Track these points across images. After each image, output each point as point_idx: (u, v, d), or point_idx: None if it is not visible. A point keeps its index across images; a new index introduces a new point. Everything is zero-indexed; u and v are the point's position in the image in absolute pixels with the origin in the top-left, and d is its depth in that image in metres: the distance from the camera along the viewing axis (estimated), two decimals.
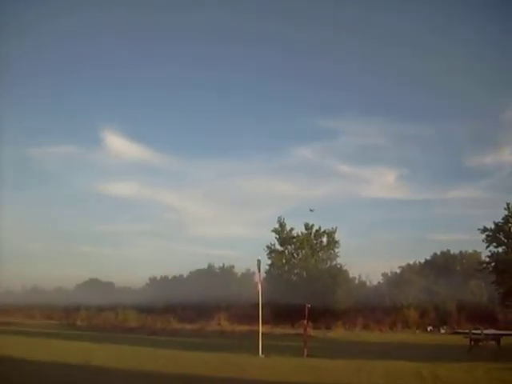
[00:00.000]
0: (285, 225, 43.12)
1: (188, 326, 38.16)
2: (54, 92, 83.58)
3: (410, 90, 74.33)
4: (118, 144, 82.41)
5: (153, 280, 56.52)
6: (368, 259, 60.26)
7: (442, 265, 45.82)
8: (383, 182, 75.24)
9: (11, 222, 79.29)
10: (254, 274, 48.48)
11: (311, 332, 21.08)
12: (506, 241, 34.70)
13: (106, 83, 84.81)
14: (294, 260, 42.84)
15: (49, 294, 60.79)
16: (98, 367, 15.09)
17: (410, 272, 44.40)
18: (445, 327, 36.53)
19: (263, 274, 21.10)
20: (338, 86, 78.36)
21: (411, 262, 46.82)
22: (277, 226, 43.22)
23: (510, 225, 34.61)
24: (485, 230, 34.80)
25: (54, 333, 31.79)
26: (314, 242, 42.82)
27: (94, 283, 60.45)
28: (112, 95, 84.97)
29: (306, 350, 18.63)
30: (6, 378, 12.86)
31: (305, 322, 20.38)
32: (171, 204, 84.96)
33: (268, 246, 43.05)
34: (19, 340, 25.15)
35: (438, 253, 48.56)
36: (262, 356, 18.30)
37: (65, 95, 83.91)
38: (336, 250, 42.87)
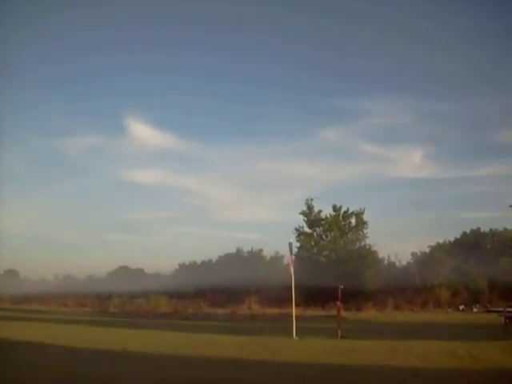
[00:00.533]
0: (313, 207, 43.13)
1: (219, 311, 38.44)
2: (77, 82, 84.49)
3: (435, 67, 73.42)
4: (142, 132, 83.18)
5: (182, 266, 56.96)
6: (397, 239, 60.28)
7: (472, 243, 45.35)
8: (410, 161, 74.71)
9: (43, 213, 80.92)
10: (282, 257, 48.79)
11: (343, 313, 21.00)
12: None
13: (129, 71, 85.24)
14: (322, 242, 42.87)
15: (81, 283, 61.83)
16: (134, 353, 15.23)
17: (439, 251, 44.09)
18: (477, 306, 36.28)
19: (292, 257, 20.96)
20: (362, 66, 77.62)
21: (441, 241, 46.60)
22: (305, 208, 43.22)
23: None
24: None
25: (88, 320, 32.21)
26: (343, 223, 42.75)
27: (124, 270, 61.30)
28: (135, 83, 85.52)
29: (339, 332, 18.64)
30: (45, 364, 13.10)
31: (338, 303, 20.35)
32: (198, 190, 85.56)
33: (296, 229, 43.18)
34: (56, 327, 25.54)
35: (468, 231, 48.12)
36: (296, 338, 18.33)
37: (88, 85, 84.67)
38: (365, 231, 42.84)
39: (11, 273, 67.81)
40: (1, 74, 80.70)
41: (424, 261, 43.61)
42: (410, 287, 39.57)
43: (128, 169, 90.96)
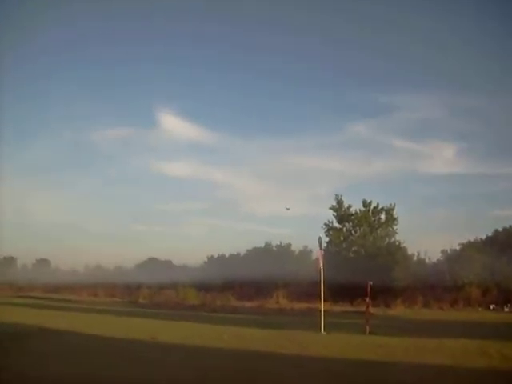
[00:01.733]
0: (342, 202, 42.90)
1: (247, 304, 38.59)
2: (107, 75, 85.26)
3: (469, 62, 72.10)
4: (172, 124, 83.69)
5: (210, 258, 57.17)
6: (427, 236, 59.43)
7: (504, 241, 44.45)
8: (441, 157, 73.64)
9: (74, 204, 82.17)
10: (311, 251, 48.76)
11: (371, 310, 20.89)
12: None
13: (160, 64, 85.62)
14: (352, 237, 42.66)
15: (110, 273, 62.54)
16: (163, 343, 15.40)
17: (470, 249, 43.42)
18: (508, 305, 35.71)
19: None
20: (392, 59, 76.52)
21: (472, 239, 45.84)
22: (334, 203, 43.05)
23: None
24: None
25: (118, 310, 32.68)
26: (372, 219, 42.46)
27: (152, 262, 61.71)
28: (165, 75, 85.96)
29: (368, 328, 18.56)
30: (75, 352, 13.34)
31: (367, 299, 20.26)
32: (227, 183, 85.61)
33: (326, 224, 43.06)
34: (86, 316, 25.97)
35: (500, 229, 47.25)
36: (324, 333, 18.31)
37: (118, 77, 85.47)
38: (394, 227, 42.46)
39: (43, 262, 68.93)
40: (32, 70, 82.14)
41: (454, 258, 43.02)
42: (439, 285, 39.11)
43: (158, 161, 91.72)
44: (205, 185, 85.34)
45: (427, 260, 45.92)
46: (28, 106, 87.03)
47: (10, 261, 67.69)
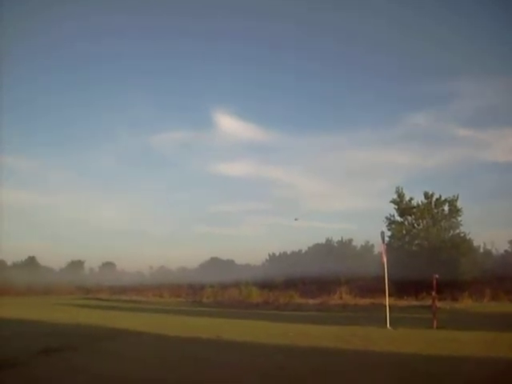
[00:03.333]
0: (403, 195, 42.18)
1: (310, 301, 38.47)
2: (165, 78, 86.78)
3: None
4: (230, 125, 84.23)
5: (272, 256, 57.36)
6: (493, 226, 57.81)
7: None
8: (505, 145, 71.52)
9: (135, 207, 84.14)
10: (373, 246, 48.34)
11: (438, 304, 20.50)
12: None
13: (217, 64, 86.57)
14: (414, 230, 41.83)
15: (174, 274, 63.72)
16: (229, 341, 15.58)
17: None
18: None
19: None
20: (450, 47, 74.67)
21: None
22: (395, 196, 42.41)
23: None
24: None
25: (183, 310, 33.25)
26: (435, 211, 41.53)
27: (215, 262, 62.56)
28: (222, 77, 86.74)
29: (435, 322, 18.23)
30: (148, 351, 13.67)
31: (433, 293, 19.89)
32: (285, 180, 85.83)
33: (387, 218, 42.40)
34: (154, 317, 26.51)
35: None
36: (390, 328, 18.10)
37: (176, 80, 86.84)
38: (458, 219, 41.37)
39: (109, 265, 70.85)
40: (95, 76, 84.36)
41: None
42: (508, 277, 37.91)
43: (217, 162, 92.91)
44: (264, 184, 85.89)
45: (494, 251, 44.70)
46: (89, 111, 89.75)
47: (78, 264, 69.92)
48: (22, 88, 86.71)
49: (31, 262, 66.85)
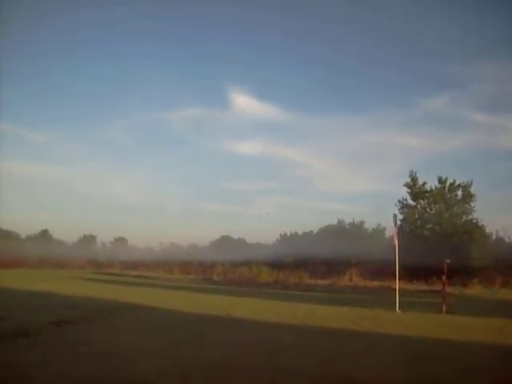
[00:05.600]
0: (417, 179, 42.01)
1: (320, 282, 38.67)
2: (180, 56, 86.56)
3: None
4: (243, 103, 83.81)
5: (283, 236, 57.43)
6: (506, 213, 57.34)
7: None
8: None
9: (147, 183, 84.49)
10: (384, 229, 48.22)
11: (447, 289, 20.50)
12: None
13: (227, 42, 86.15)
14: (426, 215, 41.77)
15: (185, 251, 64.04)
16: (238, 319, 15.71)
17: None
18: None
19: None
20: (468, 30, 73.41)
21: None
22: (408, 180, 42.26)
23: None
24: None
25: (193, 287, 33.50)
26: (448, 196, 41.36)
27: (226, 240, 62.70)
28: (234, 54, 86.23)
29: (444, 307, 18.26)
30: (160, 326, 13.86)
31: (443, 277, 19.91)
32: (298, 161, 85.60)
33: (400, 201, 42.36)
34: (165, 293, 26.78)
35: None
36: (399, 312, 18.18)
37: (190, 58, 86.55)
38: (472, 205, 41.19)
39: (121, 240, 71.29)
40: (108, 53, 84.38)
41: None
42: None
43: (230, 140, 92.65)
44: (278, 163, 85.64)
45: (506, 238, 44.47)
46: (103, 87, 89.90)
47: (90, 239, 70.42)
48: (35, 64, 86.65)
49: (44, 235, 67.48)
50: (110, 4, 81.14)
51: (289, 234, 57.36)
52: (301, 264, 46.39)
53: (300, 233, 56.86)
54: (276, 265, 46.89)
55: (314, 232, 55.59)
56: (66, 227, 72.74)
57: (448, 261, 20.04)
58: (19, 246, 59.52)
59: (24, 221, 71.94)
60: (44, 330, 12.25)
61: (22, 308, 16.51)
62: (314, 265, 45.48)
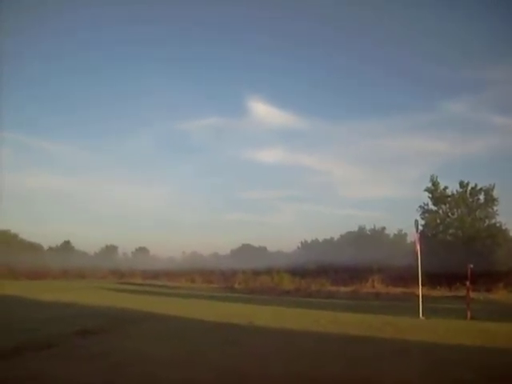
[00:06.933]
0: (438, 183, 41.67)
1: (342, 289, 38.46)
2: (197, 66, 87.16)
3: None
4: (262, 111, 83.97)
5: (304, 244, 57.37)
6: None
7: None
8: None
9: (169, 193, 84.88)
10: (406, 235, 47.92)
11: (471, 294, 20.23)
12: None
13: (245, 51, 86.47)
14: (448, 220, 41.36)
15: (206, 260, 64.21)
16: (260, 327, 15.67)
17: None
18: None
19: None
20: (488, 32, 72.73)
21: None
22: (429, 184, 41.94)
23: None
24: None
25: (215, 295, 33.53)
26: (470, 200, 40.95)
27: (247, 248, 62.79)
28: (253, 64, 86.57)
29: (469, 313, 18.03)
30: (183, 335, 13.87)
31: (467, 283, 19.67)
32: (318, 167, 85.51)
33: (421, 206, 42.04)
34: (187, 302, 26.85)
35: None
36: (423, 318, 18.00)
37: (208, 67, 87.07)
38: (494, 208, 40.73)
39: (142, 250, 71.69)
40: (130, 64, 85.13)
41: None
42: None
43: (249, 149, 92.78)
44: (297, 171, 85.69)
45: None
46: (125, 97, 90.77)
47: (111, 249, 70.94)
48: (61, 77, 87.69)
49: (66, 246, 68.09)
50: (131, 11, 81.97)
51: (309, 241, 57.33)
52: (322, 271, 46.20)
53: (321, 240, 56.85)
54: (297, 272, 46.76)
55: (335, 239, 55.53)
56: (88, 238, 73.40)
57: (471, 266, 19.79)
58: (42, 257, 60.09)
59: (46, 232, 72.71)
60: (68, 340, 12.34)
61: (47, 319, 16.67)
62: (336, 272, 45.25)
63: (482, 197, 40.78)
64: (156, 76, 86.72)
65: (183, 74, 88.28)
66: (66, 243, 68.37)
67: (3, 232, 58.93)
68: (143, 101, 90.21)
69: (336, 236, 55.61)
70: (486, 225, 40.66)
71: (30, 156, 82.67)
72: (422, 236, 38.96)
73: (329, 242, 55.17)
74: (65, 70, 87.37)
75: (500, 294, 32.14)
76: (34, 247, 63.31)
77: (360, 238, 50.19)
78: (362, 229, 51.82)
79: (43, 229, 69.79)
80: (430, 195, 41.89)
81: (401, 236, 49.74)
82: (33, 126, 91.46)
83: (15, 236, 61.25)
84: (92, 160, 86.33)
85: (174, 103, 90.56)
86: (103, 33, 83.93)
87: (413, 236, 22.85)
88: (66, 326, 14.60)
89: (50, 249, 67.84)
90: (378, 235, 50.62)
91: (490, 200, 40.40)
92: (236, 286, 45.96)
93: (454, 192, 41.36)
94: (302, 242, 57.64)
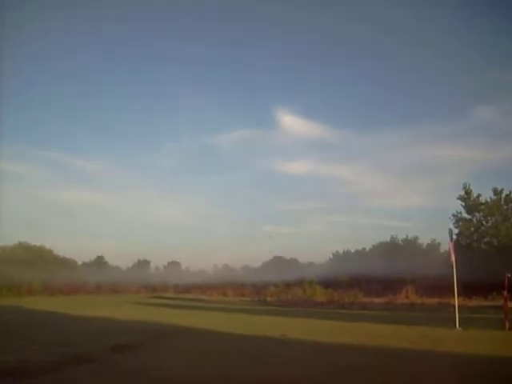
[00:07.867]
0: (471, 191, 41.12)
1: (375, 300, 38.07)
2: (223, 77, 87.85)
3: None
4: (291, 123, 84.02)
5: (336, 255, 57.06)
6: None
7: None
8: None
9: (199, 206, 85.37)
10: (439, 244, 47.28)
11: (509, 304, 19.82)
12: None
13: (272, 63, 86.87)
14: (483, 228, 40.74)
15: (238, 273, 64.25)
16: (293, 340, 15.61)
17: None
18: None
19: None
20: None
21: None
22: (462, 192, 41.41)
23: None
24: None
25: (248, 308, 33.47)
26: (505, 207, 40.29)
27: (278, 260, 62.72)
28: (281, 75, 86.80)
29: (507, 323, 17.66)
30: (217, 350, 13.87)
31: (504, 292, 19.28)
32: (348, 178, 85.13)
33: (454, 215, 41.51)
34: (220, 315, 26.82)
35: None
36: (460, 329, 17.68)
37: (235, 80, 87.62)
38: None
39: (174, 264, 72.06)
40: (159, 77, 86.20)
41: None
42: None
43: (279, 161, 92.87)
44: (327, 182, 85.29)
45: None
46: (153, 112, 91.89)
47: (144, 264, 71.47)
48: (88, 90, 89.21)
49: (99, 261, 68.75)
50: (160, 25, 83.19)
51: (341, 252, 56.98)
52: (355, 282, 45.86)
53: (353, 250, 56.47)
54: (330, 284, 46.47)
55: (367, 249, 55.11)
56: (121, 253, 74.07)
57: (509, 275, 19.39)
58: (76, 272, 60.82)
59: (80, 247, 73.61)
60: (106, 355, 12.45)
61: (83, 334, 16.86)
62: (369, 283, 44.86)
63: None
64: (187, 89, 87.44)
65: (213, 86, 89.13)
66: (100, 258, 69.08)
67: (39, 248, 59.95)
68: (173, 114, 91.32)
69: (368, 246, 55.32)
70: None
71: (64, 172, 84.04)
72: (457, 245, 38.60)
73: (361, 253, 54.81)
74: (98, 87, 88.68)
75: None
76: (68, 262, 64.10)
77: (393, 248, 49.69)
78: (394, 239, 51.41)
79: (76, 244, 70.57)
80: (463, 203, 41.36)
81: (434, 245, 49.14)
82: (66, 142, 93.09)
83: (50, 251, 62.06)
84: (123, 176, 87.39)
85: (204, 115, 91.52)
86: (130, 50, 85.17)
87: (447, 245, 22.57)
88: (103, 341, 14.75)
89: (84, 264, 68.66)
90: (410, 245, 50.08)
91: None
92: (268, 298, 45.85)
93: (488, 199, 40.78)
94: (333, 253, 57.44)
